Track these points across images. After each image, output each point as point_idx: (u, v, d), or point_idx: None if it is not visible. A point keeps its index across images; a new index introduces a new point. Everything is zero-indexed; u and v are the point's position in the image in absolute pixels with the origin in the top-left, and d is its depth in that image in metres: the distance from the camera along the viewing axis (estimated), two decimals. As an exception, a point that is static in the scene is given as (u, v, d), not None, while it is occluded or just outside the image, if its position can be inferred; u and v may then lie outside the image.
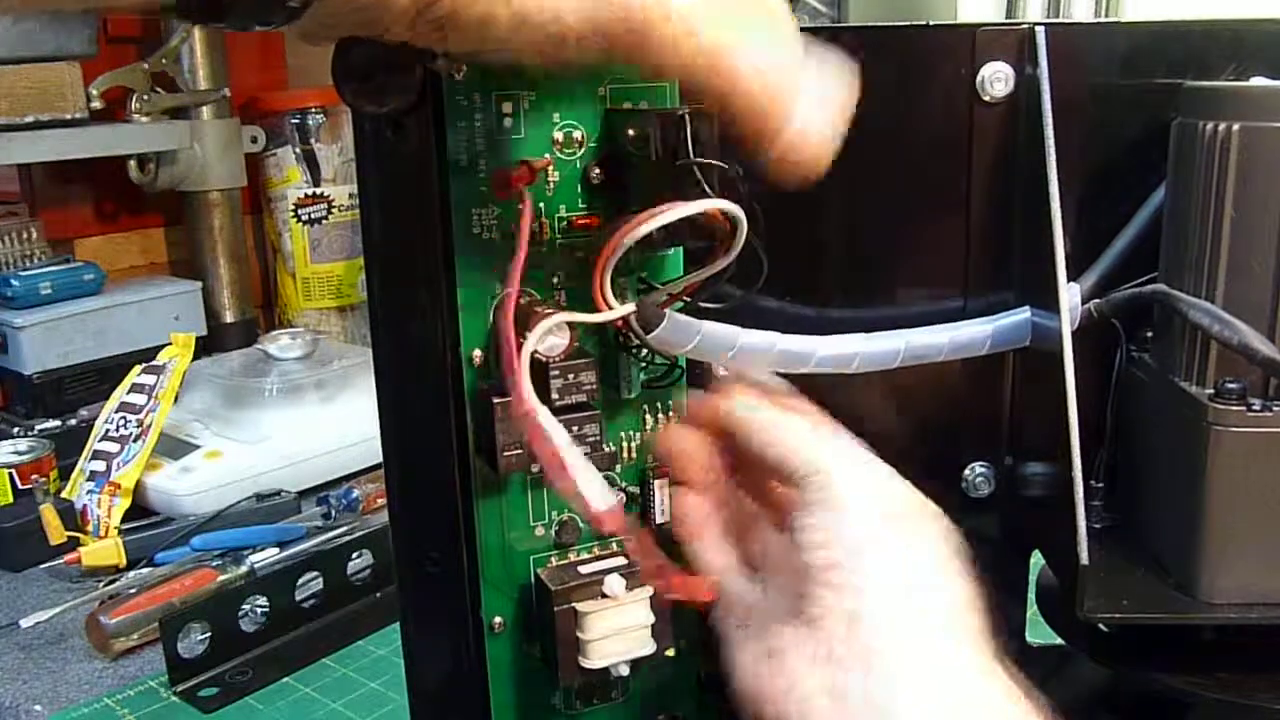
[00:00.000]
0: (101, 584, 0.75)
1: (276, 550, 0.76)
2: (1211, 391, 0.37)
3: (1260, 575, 0.37)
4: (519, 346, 0.34)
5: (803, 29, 0.34)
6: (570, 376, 0.35)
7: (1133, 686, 0.43)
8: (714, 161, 0.35)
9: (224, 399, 0.99)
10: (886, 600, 0.33)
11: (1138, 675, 0.40)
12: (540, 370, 0.35)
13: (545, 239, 0.38)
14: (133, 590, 0.71)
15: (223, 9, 0.27)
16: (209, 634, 0.66)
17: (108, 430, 0.90)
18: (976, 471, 0.45)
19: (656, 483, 0.39)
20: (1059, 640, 0.44)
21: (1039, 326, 0.42)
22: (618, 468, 0.40)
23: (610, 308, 0.35)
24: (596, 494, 0.34)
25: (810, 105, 0.34)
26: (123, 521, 0.83)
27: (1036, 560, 0.46)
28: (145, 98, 1.17)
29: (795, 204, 0.42)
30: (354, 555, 0.75)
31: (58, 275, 1.12)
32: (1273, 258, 0.36)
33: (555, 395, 0.35)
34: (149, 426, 0.88)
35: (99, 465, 0.87)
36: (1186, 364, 0.38)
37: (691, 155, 0.34)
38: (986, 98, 0.41)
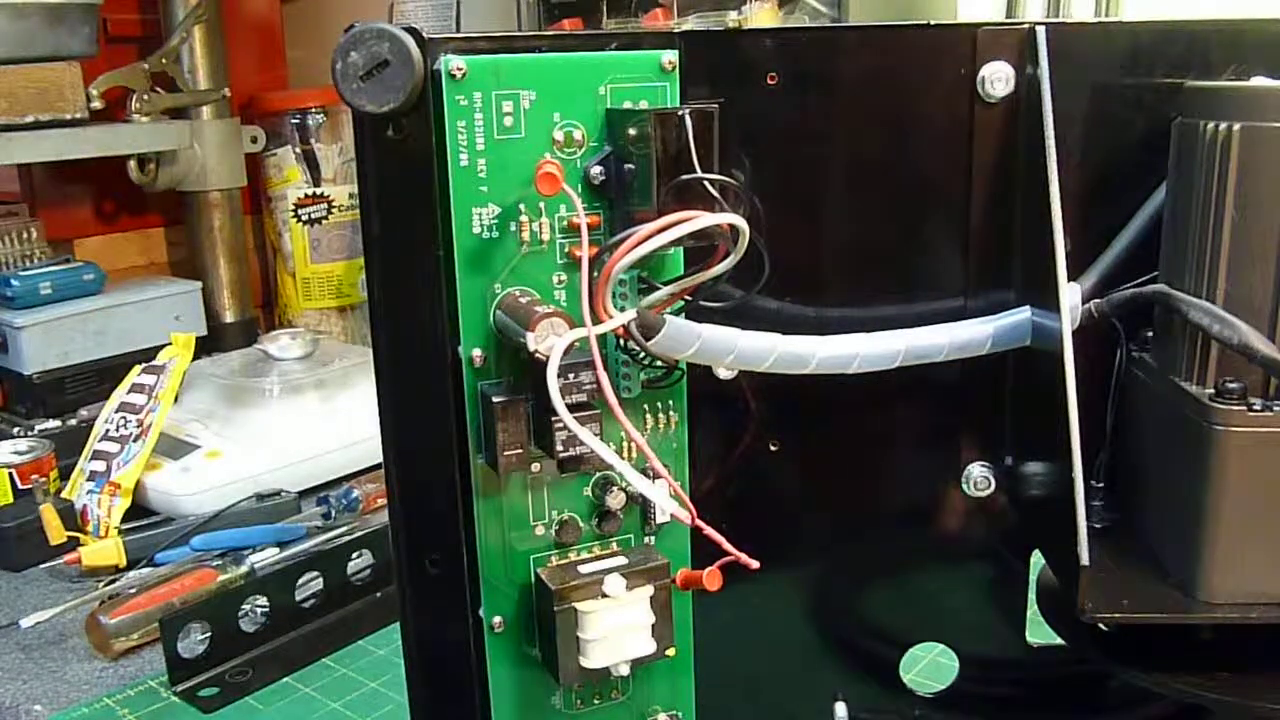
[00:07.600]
0: (101, 584, 0.75)
1: (276, 550, 0.76)
2: (1212, 391, 0.37)
3: (1260, 575, 0.37)
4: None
5: (803, 28, 0.34)
6: (570, 376, 0.35)
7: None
8: (721, 177, 0.35)
9: (224, 399, 0.99)
10: None
11: (1137, 675, 0.40)
12: (539, 370, 0.35)
13: (546, 239, 0.38)
14: (133, 590, 0.71)
15: None
16: (209, 634, 0.66)
17: (108, 430, 0.90)
18: (976, 471, 0.45)
19: (656, 482, 0.39)
20: (1059, 640, 0.44)
21: (1039, 326, 0.42)
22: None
23: (611, 316, 0.35)
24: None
25: None
26: (123, 521, 0.83)
27: (1036, 560, 0.46)
28: (145, 98, 1.17)
29: (796, 203, 0.42)
30: (354, 555, 0.74)
31: (58, 275, 1.12)
32: (1273, 258, 0.36)
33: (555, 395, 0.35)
34: (149, 426, 0.88)
35: (99, 465, 0.87)
36: (1187, 364, 0.38)
37: (696, 161, 0.34)
38: (986, 98, 0.41)
